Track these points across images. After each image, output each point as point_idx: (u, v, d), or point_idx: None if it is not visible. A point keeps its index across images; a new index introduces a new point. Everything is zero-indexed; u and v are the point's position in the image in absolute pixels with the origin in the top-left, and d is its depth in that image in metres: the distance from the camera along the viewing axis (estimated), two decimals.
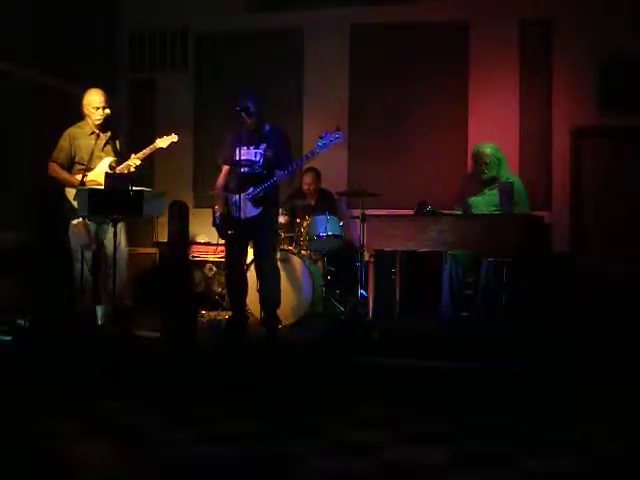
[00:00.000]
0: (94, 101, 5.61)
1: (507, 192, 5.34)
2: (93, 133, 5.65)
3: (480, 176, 5.87)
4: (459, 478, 3.14)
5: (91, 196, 5.08)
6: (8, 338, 5.10)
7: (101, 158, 5.61)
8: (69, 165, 5.64)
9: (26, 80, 6.89)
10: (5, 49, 6.70)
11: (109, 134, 5.70)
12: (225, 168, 5.62)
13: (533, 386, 4.32)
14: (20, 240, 6.53)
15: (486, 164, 5.80)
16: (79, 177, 5.48)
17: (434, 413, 4.04)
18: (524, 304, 5.21)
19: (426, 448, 3.50)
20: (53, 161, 5.60)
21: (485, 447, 3.47)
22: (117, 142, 5.73)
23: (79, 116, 5.75)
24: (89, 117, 5.65)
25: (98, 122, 5.62)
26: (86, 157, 5.59)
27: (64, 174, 5.59)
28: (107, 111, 5.54)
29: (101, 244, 5.57)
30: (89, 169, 5.56)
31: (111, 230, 5.52)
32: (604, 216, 7.38)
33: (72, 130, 5.67)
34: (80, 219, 5.27)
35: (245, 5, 8.24)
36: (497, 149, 5.87)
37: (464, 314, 5.97)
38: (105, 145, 5.67)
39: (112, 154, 5.65)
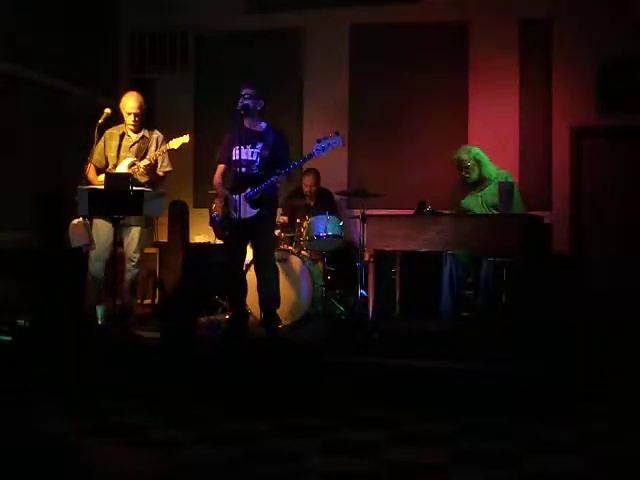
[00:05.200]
0: (126, 107, 5.66)
1: (507, 192, 5.34)
2: (124, 134, 5.68)
3: (465, 181, 5.88)
4: (459, 478, 3.14)
5: (91, 196, 5.08)
6: (8, 338, 5.10)
7: (125, 159, 5.63)
8: (106, 165, 5.68)
9: (26, 80, 6.89)
10: (5, 49, 6.70)
11: (140, 135, 5.71)
12: (220, 167, 5.63)
13: (533, 386, 4.32)
14: (20, 240, 6.53)
15: (466, 168, 5.81)
16: (101, 177, 5.51)
17: (434, 413, 4.03)
18: (524, 304, 5.21)
19: (426, 448, 3.50)
20: (88, 161, 5.61)
21: (485, 447, 3.47)
22: (148, 142, 5.72)
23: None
24: (124, 119, 5.70)
25: (130, 126, 5.68)
26: (114, 157, 5.64)
27: (90, 175, 5.61)
28: (107, 110, 5.54)
29: (120, 244, 5.59)
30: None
31: (133, 231, 5.56)
32: (604, 216, 7.38)
33: (109, 131, 5.72)
34: (80, 219, 5.27)
35: (245, 5, 8.24)
36: (474, 151, 5.85)
37: (464, 314, 5.96)
38: (132, 146, 5.68)
39: (140, 154, 5.64)
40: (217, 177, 5.62)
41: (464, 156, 5.82)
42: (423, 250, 5.50)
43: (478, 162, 5.80)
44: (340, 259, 6.93)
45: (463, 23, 7.67)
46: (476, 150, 5.86)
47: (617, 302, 6.73)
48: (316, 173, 7.13)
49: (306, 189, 7.17)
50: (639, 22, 7.11)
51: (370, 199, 6.49)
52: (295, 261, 6.39)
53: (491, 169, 5.85)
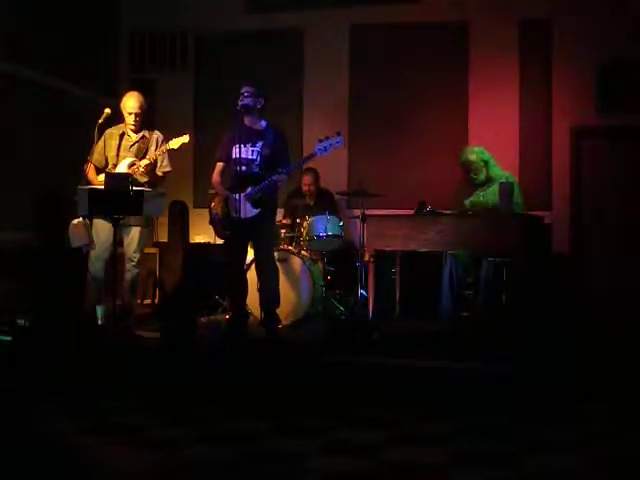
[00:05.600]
0: (127, 106, 5.66)
1: (507, 192, 5.34)
2: (123, 133, 5.68)
3: (471, 182, 5.89)
4: (459, 478, 3.14)
5: (91, 196, 5.08)
6: (8, 338, 5.10)
7: (125, 158, 5.62)
8: (106, 165, 5.67)
9: (26, 80, 6.89)
10: (5, 49, 6.70)
11: (140, 135, 5.71)
12: (219, 165, 5.62)
13: (533, 386, 4.32)
14: (20, 240, 6.52)
15: (474, 170, 5.82)
16: (101, 177, 5.50)
17: (434, 413, 4.03)
18: (524, 304, 5.21)
19: (426, 448, 3.50)
20: (88, 161, 5.61)
21: (485, 447, 3.47)
22: (149, 142, 5.71)
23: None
24: (125, 119, 5.70)
25: (130, 126, 5.67)
26: (113, 157, 5.64)
27: (90, 175, 5.60)
28: (107, 110, 5.53)
29: (120, 244, 5.59)
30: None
31: (133, 231, 5.56)
32: (604, 216, 7.38)
33: (108, 130, 5.72)
34: (80, 219, 5.28)
35: (245, 5, 8.25)
36: (481, 152, 5.86)
37: (464, 314, 5.96)
38: (132, 145, 5.68)
39: (140, 154, 5.64)
40: (215, 175, 5.62)
41: (473, 158, 5.82)
42: (423, 250, 5.50)
43: (486, 163, 5.83)
44: (340, 259, 6.93)
45: (463, 23, 7.67)
46: (484, 151, 5.87)
47: (617, 302, 6.73)
48: (315, 172, 7.14)
49: (305, 188, 7.17)
50: (639, 22, 7.11)
51: (370, 199, 6.48)
52: (295, 261, 6.39)
53: (497, 170, 5.88)
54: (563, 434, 3.63)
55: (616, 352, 5.23)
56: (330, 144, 5.32)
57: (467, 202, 5.89)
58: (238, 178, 5.41)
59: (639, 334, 5.67)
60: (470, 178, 5.88)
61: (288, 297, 6.17)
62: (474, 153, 5.85)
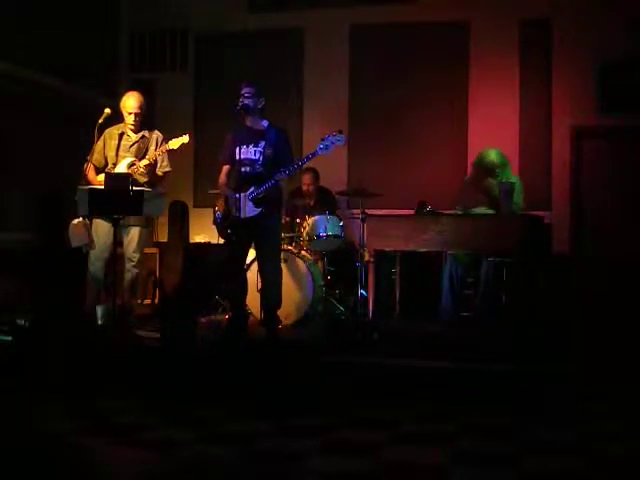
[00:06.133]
0: (127, 106, 5.64)
1: (507, 192, 5.34)
2: (123, 133, 5.67)
3: (486, 185, 5.87)
4: (459, 478, 3.14)
5: (91, 196, 5.08)
6: (8, 338, 5.10)
7: (125, 158, 5.62)
8: (105, 164, 5.67)
9: (26, 80, 6.89)
10: (4, 49, 6.70)
11: (140, 135, 5.70)
12: (225, 167, 5.61)
13: (533, 386, 4.32)
14: (20, 240, 6.53)
15: (495, 172, 5.81)
16: (101, 177, 5.50)
17: (434, 413, 4.03)
18: (524, 304, 5.21)
19: (426, 448, 3.50)
20: (88, 161, 5.60)
21: (485, 447, 3.47)
22: (148, 142, 5.70)
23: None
24: (125, 119, 5.69)
25: (130, 126, 5.66)
26: (113, 156, 5.63)
27: (90, 174, 5.60)
28: (107, 110, 5.53)
29: (120, 244, 5.59)
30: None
31: (132, 231, 5.56)
32: (604, 216, 7.38)
33: (108, 130, 5.70)
34: (80, 219, 5.28)
35: (245, 5, 8.25)
36: (500, 153, 5.88)
37: (464, 314, 5.97)
38: (132, 145, 5.67)
39: (139, 154, 5.64)
40: (222, 177, 5.61)
41: (496, 161, 5.83)
42: (423, 250, 5.50)
43: (505, 165, 5.85)
44: (340, 259, 6.93)
45: (463, 23, 7.68)
46: (501, 152, 5.88)
47: (617, 302, 6.73)
48: (315, 172, 7.13)
49: (305, 188, 7.17)
50: (638, 22, 7.11)
51: (370, 199, 6.48)
52: (296, 261, 6.38)
53: (509, 172, 5.91)
54: (563, 434, 3.63)
55: (616, 352, 5.23)
56: (332, 142, 5.31)
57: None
58: (242, 179, 5.40)
59: (638, 334, 5.67)
60: (488, 180, 5.85)
61: (289, 297, 6.16)
62: (495, 154, 5.84)
